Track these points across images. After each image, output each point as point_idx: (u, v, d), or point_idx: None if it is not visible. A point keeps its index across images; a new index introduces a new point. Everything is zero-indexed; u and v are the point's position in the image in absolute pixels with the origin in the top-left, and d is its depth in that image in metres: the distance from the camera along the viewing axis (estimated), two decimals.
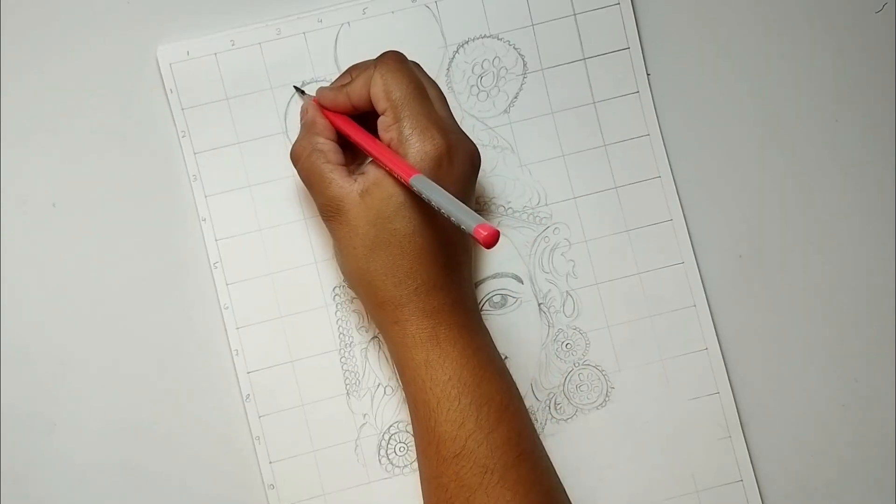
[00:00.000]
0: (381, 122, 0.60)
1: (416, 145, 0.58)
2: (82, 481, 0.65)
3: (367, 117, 0.62)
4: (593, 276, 0.67)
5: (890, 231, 0.68)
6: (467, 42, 0.67)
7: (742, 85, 0.68)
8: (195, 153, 0.66)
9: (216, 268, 0.66)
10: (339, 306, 0.66)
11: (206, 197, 0.66)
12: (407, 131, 0.58)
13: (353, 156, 0.63)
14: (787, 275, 0.68)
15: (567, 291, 0.67)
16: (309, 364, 0.66)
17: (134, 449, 0.65)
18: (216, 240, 0.66)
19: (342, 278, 0.66)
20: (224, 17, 0.66)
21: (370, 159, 0.60)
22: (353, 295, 0.66)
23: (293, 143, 0.62)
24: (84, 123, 0.66)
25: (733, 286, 0.67)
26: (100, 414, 0.65)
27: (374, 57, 0.61)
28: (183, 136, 0.66)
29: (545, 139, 0.67)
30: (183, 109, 0.66)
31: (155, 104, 0.66)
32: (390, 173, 0.58)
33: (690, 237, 0.67)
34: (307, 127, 0.62)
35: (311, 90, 0.66)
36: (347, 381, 0.66)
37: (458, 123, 0.63)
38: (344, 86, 0.61)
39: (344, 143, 0.62)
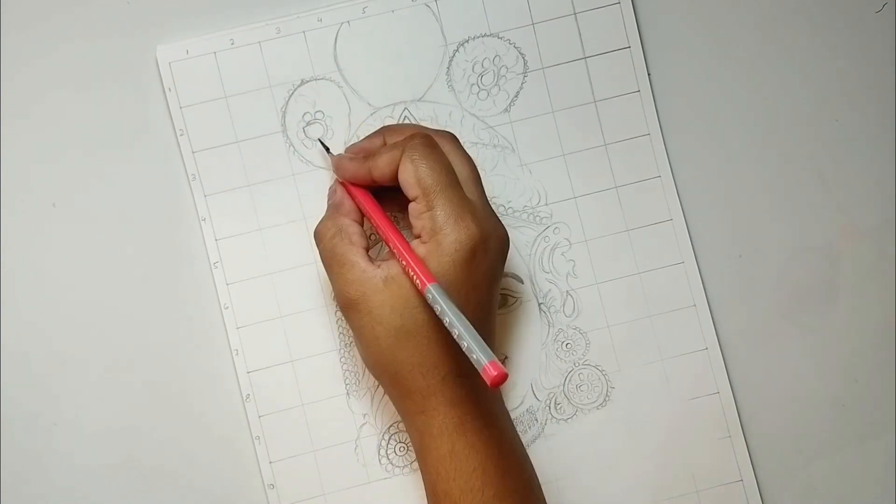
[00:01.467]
0: (413, 209, 0.58)
1: (451, 235, 0.57)
2: (82, 481, 0.65)
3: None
4: (593, 276, 0.67)
5: (890, 231, 0.68)
6: (467, 41, 0.67)
7: (742, 85, 0.68)
8: (194, 152, 0.66)
9: (216, 268, 0.66)
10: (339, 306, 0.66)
11: (205, 196, 0.66)
12: (441, 220, 0.57)
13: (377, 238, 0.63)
14: (787, 275, 0.68)
15: (567, 291, 0.67)
16: (309, 364, 0.66)
17: (134, 449, 0.65)
18: (216, 240, 0.66)
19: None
20: (223, 17, 0.66)
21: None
22: None
23: (319, 222, 0.62)
24: (84, 123, 0.65)
25: (733, 286, 0.67)
26: (100, 414, 0.65)
27: (398, 136, 0.60)
28: (181, 135, 0.66)
29: (545, 138, 0.67)
30: (181, 108, 0.66)
31: (154, 103, 0.66)
32: (406, 272, 0.57)
33: (690, 237, 0.67)
34: (334, 207, 0.62)
35: (311, 89, 0.66)
36: (347, 381, 0.66)
37: (482, 189, 0.61)
38: (366, 159, 0.60)
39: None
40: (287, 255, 0.66)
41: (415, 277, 0.56)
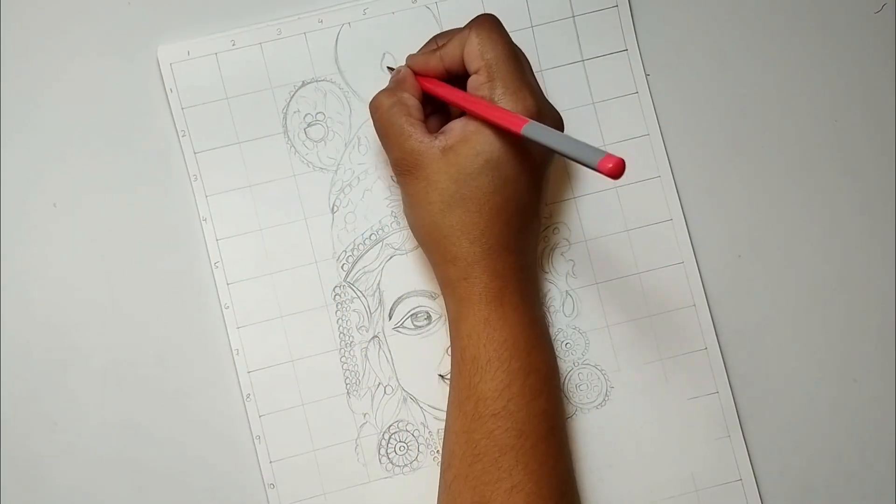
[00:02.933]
0: (474, 81, 0.60)
1: (509, 105, 0.59)
2: (83, 480, 0.65)
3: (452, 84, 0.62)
4: (593, 276, 0.67)
5: (890, 231, 0.68)
6: None
7: (741, 85, 0.68)
8: (195, 153, 0.66)
9: (216, 268, 0.66)
10: (339, 306, 0.66)
11: (206, 197, 0.66)
12: (500, 91, 0.59)
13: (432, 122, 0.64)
14: (787, 275, 0.68)
15: (567, 291, 0.67)
16: (309, 364, 0.66)
17: (134, 448, 0.65)
18: (216, 240, 0.66)
19: (344, 276, 0.66)
20: (224, 18, 0.66)
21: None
22: (355, 294, 0.66)
23: (376, 94, 0.62)
24: (84, 123, 0.66)
25: (733, 286, 0.67)
26: (100, 413, 0.65)
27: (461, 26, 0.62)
28: (183, 136, 0.66)
29: None
30: (183, 109, 0.66)
31: (155, 104, 0.66)
32: (493, 125, 0.58)
33: (690, 237, 0.67)
34: (396, 82, 0.63)
35: (312, 91, 0.66)
36: (347, 381, 0.66)
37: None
38: (436, 49, 0.62)
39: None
40: (287, 255, 0.66)
41: (505, 125, 0.57)
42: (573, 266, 0.67)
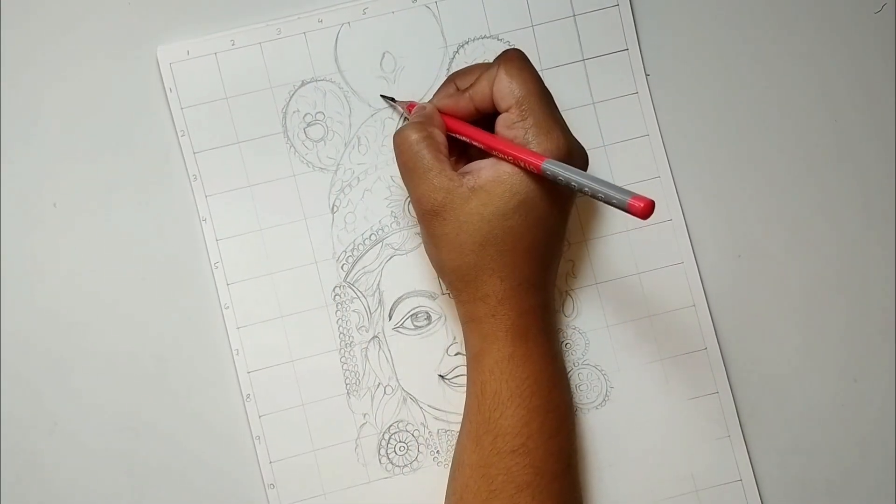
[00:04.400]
0: (504, 119, 0.60)
1: (543, 144, 0.59)
2: (83, 480, 0.65)
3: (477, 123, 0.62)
4: (593, 276, 0.67)
5: (890, 231, 0.68)
6: (467, 42, 0.67)
7: (741, 85, 0.68)
8: (195, 153, 0.66)
9: (216, 268, 0.66)
10: (339, 306, 0.66)
11: (206, 197, 0.66)
12: (532, 130, 0.59)
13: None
14: (787, 275, 0.68)
15: (566, 291, 0.67)
16: (309, 364, 0.66)
17: (134, 448, 0.65)
18: (216, 240, 0.66)
19: (343, 276, 0.66)
20: (224, 17, 0.66)
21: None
22: (355, 295, 0.66)
23: (401, 127, 0.62)
24: (84, 123, 0.66)
25: (733, 286, 0.67)
26: (100, 413, 0.65)
27: (479, 62, 0.62)
28: (182, 136, 0.66)
29: None
30: (182, 109, 0.66)
31: (155, 104, 0.66)
32: (515, 164, 0.58)
33: (690, 237, 0.67)
34: (425, 117, 0.62)
35: (312, 90, 0.66)
36: (347, 381, 0.66)
37: None
38: (465, 90, 0.61)
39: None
40: (287, 255, 0.66)
41: (527, 164, 0.58)
42: (572, 266, 0.67)
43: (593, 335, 0.67)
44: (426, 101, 0.65)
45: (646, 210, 0.53)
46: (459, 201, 0.59)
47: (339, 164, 0.67)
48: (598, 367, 0.67)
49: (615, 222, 0.67)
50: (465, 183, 0.59)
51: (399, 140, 0.61)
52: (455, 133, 0.62)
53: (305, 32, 0.66)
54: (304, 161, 0.66)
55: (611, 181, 0.55)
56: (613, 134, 0.67)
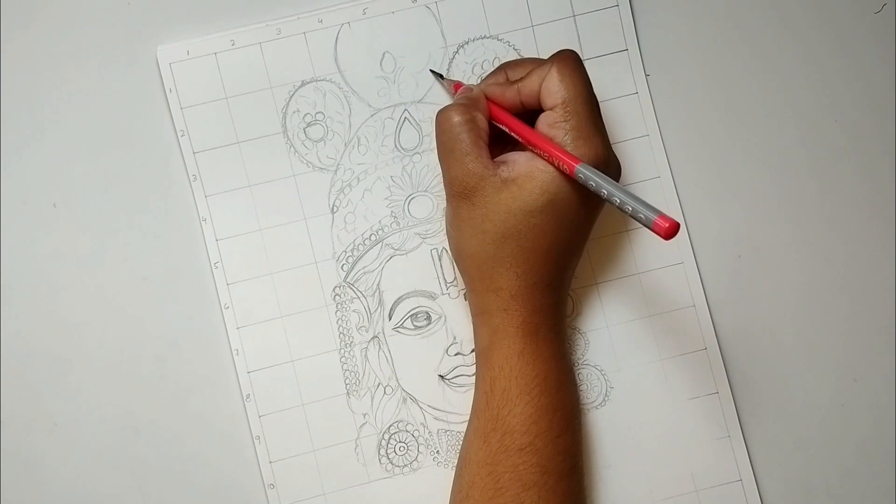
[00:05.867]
0: (547, 117, 0.60)
1: (581, 148, 0.58)
2: (83, 480, 0.65)
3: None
4: (592, 277, 0.67)
5: (890, 231, 0.68)
6: (467, 42, 0.67)
7: (741, 85, 0.68)
8: (195, 153, 0.66)
9: (216, 268, 0.66)
10: (339, 306, 0.66)
11: (206, 197, 0.66)
12: (572, 133, 0.59)
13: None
14: (787, 275, 0.68)
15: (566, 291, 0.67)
16: (309, 364, 0.66)
17: (134, 448, 0.65)
18: (216, 240, 0.66)
19: (343, 276, 0.66)
20: (224, 17, 0.66)
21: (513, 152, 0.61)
22: (355, 295, 0.66)
23: (443, 107, 0.61)
24: (84, 123, 0.66)
25: (733, 286, 0.67)
26: (100, 413, 0.65)
27: (530, 56, 0.62)
28: (182, 136, 0.66)
29: None
30: (182, 109, 0.66)
31: (154, 104, 0.66)
32: (550, 162, 0.58)
33: (690, 237, 0.67)
34: (471, 100, 0.62)
35: (312, 90, 0.66)
36: (347, 381, 0.66)
37: None
38: (515, 82, 0.61)
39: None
40: (287, 255, 0.66)
41: (562, 164, 0.57)
42: None
43: (593, 335, 0.67)
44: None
45: (670, 231, 0.53)
46: (491, 190, 0.59)
47: (338, 165, 0.67)
48: (598, 367, 0.67)
49: (615, 222, 0.67)
50: (499, 173, 0.59)
51: (441, 119, 0.61)
52: (497, 121, 0.62)
53: (305, 32, 0.66)
54: (304, 161, 0.66)
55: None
56: (613, 134, 0.67)
